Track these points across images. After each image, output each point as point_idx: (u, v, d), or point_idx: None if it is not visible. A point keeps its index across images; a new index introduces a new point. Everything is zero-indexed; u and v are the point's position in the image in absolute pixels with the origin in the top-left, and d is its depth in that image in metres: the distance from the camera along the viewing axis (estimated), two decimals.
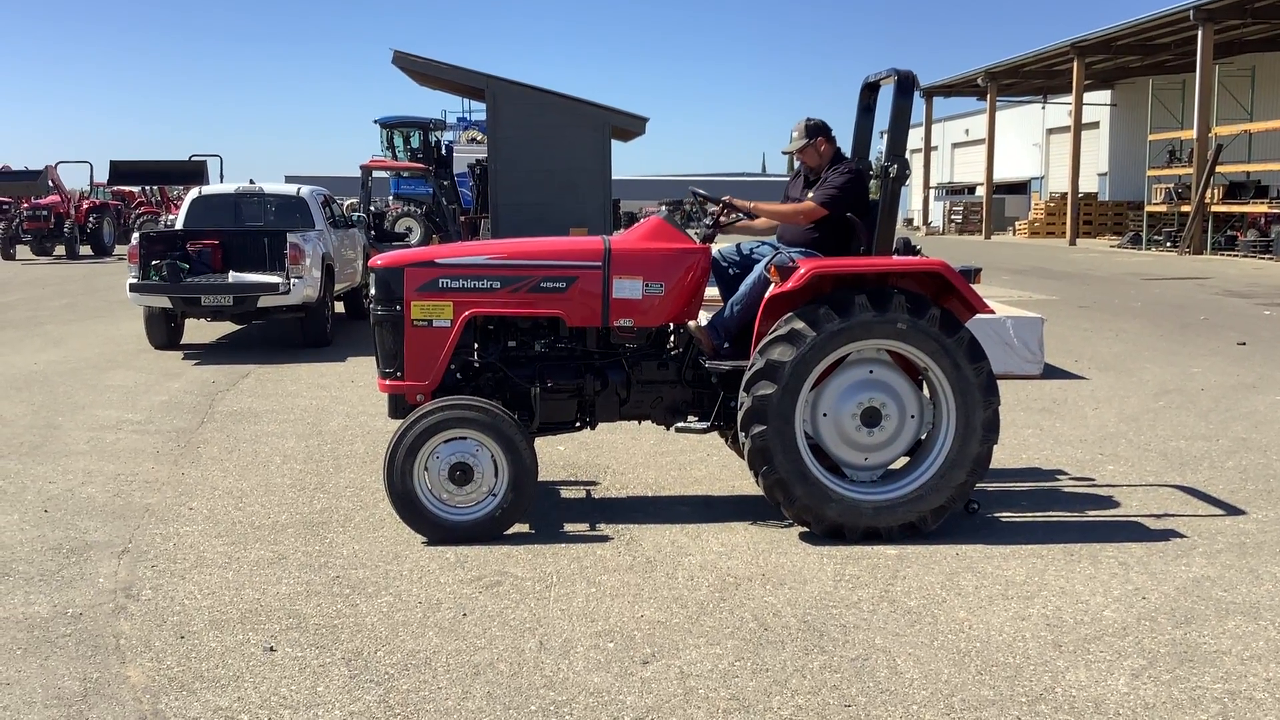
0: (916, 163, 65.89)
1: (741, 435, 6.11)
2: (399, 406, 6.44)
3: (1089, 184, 49.70)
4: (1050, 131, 57.02)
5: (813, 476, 6.04)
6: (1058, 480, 7.54)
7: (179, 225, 15.04)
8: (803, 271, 6.01)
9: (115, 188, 41.11)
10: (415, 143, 36.27)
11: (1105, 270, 28.46)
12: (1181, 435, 8.90)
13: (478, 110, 41.30)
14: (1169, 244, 35.86)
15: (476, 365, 6.59)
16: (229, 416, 9.74)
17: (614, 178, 16.75)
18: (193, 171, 31.67)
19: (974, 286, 6.26)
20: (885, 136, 6.39)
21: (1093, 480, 7.52)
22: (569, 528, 6.35)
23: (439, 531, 6.09)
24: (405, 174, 33.12)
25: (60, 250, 33.12)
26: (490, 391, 6.54)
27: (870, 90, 6.94)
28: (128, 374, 12.00)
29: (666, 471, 7.72)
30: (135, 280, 13.33)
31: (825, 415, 6.16)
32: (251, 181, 15.90)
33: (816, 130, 6.71)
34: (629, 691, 4.31)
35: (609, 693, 4.30)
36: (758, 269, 6.50)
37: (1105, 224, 46.73)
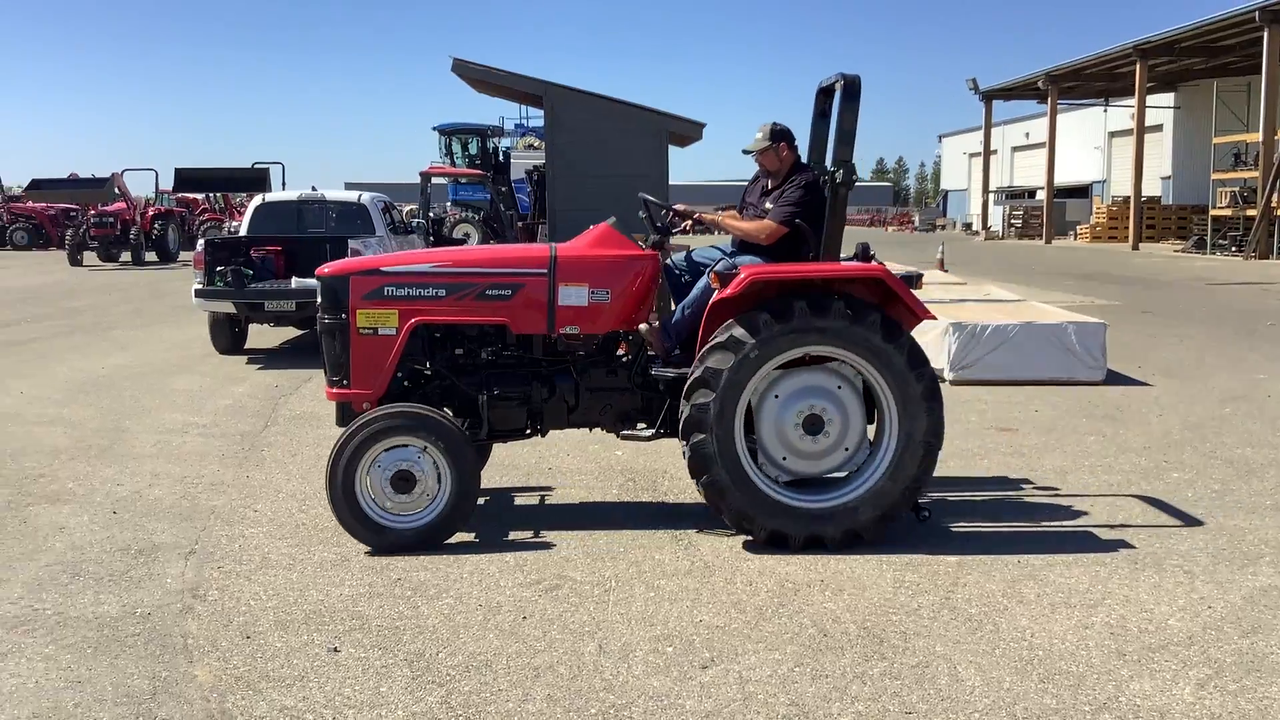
0: (976, 166, 65.40)
1: (681, 443, 6.07)
2: (346, 415, 6.38)
3: (1152, 188, 48.99)
4: (1112, 134, 56.31)
5: (752, 484, 6.01)
6: (1120, 488, 7.44)
7: (243, 232, 15.28)
8: (742, 278, 6.02)
9: (180, 195, 41.78)
10: (473, 149, 36.55)
11: (1169, 275, 28.04)
12: (1248, 443, 8.75)
13: (535, 117, 41.54)
14: (1234, 248, 35.27)
15: (426, 373, 6.59)
16: (292, 420, 9.88)
17: (671, 183, 16.79)
18: (256, 179, 32.04)
19: (916, 293, 6.25)
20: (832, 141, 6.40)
21: (1157, 488, 7.42)
22: (627, 533, 6.37)
23: (382, 539, 6.04)
24: (463, 180, 33.34)
25: (126, 256, 33.70)
26: (438, 399, 6.52)
27: (825, 95, 6.84)
28: (193, 378, 12.20)
29: None
30: (200, 286, 13.55)
31: (767, 423, 6.11)
32: (314, 188, 16.09)
33: (780, 135, 6.64)
34: (688, 696, 4.33)
35: (668, 697, 4.32)
36: (707, 274, 6.48)
37: (1169, 228, 46.06)
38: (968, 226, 66.95)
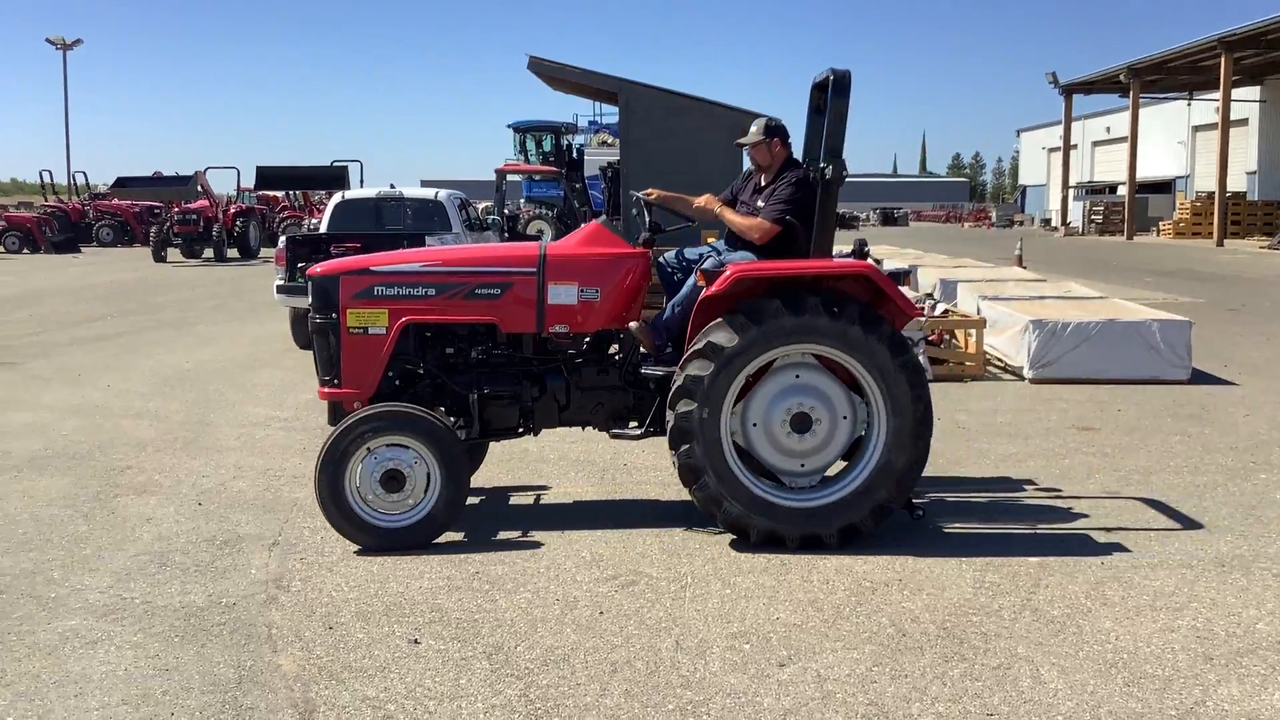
0: (1055, 161, 64.38)
1: (671, 453, 6.03)
2: (338, 414, 6.38)
3: (1237, 183, 47.90)
4: (1196, 129, 55.14)
5: (744, 487, 5.97)
6: (1206, 489, 7.29)
7: (323, 229, 15.49)
8: (728, 275, 5.98)
9: (260, 193, 42.52)
10: (547, 146, 36.76)
11: (1254, 272, 27.39)
12: None
13: (609, 114, 41.64)
14: None
15: (419, 372, 6.56)
16: None
17: None
18: (334, 176, 32.52)
19: (903, 289, 6.15)
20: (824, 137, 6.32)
21: (1244, 489, 7.26)
22: (703, 530, 6.36)
23: (370, 537, 6.03)
24: (537, 177, 33.58)
25: (209, 253, 34.37)
26: (429, 398, 6.52)
27: (819, 90, 6.74)
28: (275, 373, 12.41)
29: None
30: (282, 282, 13.76)
31: (755, 425, 6.08)
32: (392, 186, 16.29)
33: (774, 131, 6.60)
34: (766, 694, 4.32)
35: (746, 694, 4.31)
36: (695, 271, 6.46)
37: (1254, 224, 45.00)
38: (1046, 222, 65.91)
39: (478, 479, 7.61)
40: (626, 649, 4.75)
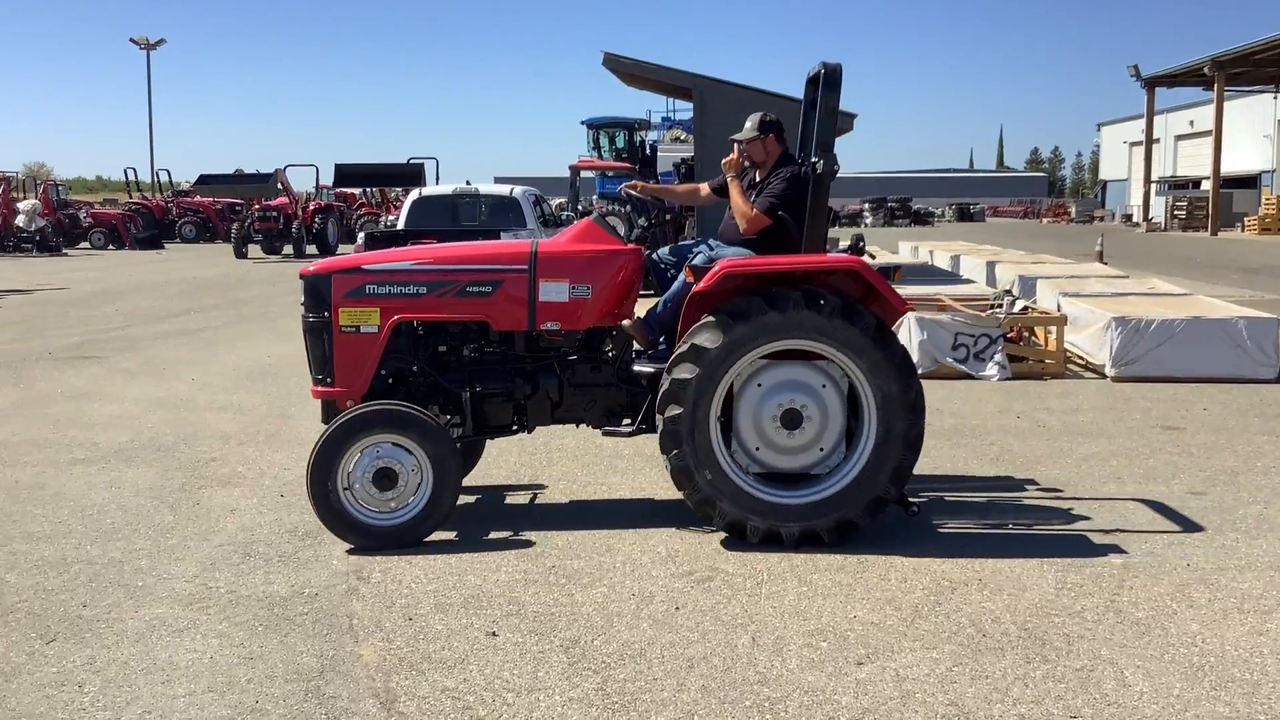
0: (1137, 156, 63.18)
1: (664, 458, 6.02)
2: (330, 413, 6.37)
3: None
4: None
5: (738, 487, 5.95)
6: None
7: (400, 225, 15.68)
8: (716, 270, 5.96)
9: (338, 190, 43.13)
10: (620, 143, 36.79)
11: None
12: None
13: (682, 109, 41.60)
14: None
15: (413, 370, 6.55)
16: None
17: None
18: (411, 174, 32.93)
19: (894, 284, 6.12)
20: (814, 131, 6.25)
21: None
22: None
23: (362, 536, 6.02)
24: (610, 173, 33.64)
25: (288, 249, 34.94)
26: (422, 396, 6.50)
27: (813, 85, 6.61)
28: None
29: None
30: None
31: (759, 449, 6.06)
32: (468, 183, 16.44)
33: (770, 127, 6.56)
34: (844, 692, 4.29)
35: (823, 692, 4.29)
36: (684, 267, 6.42)
37: None
38: (1128, 218, 64.73)
39: (549, 475, 7.66)
40: (703, 645, 4.75)
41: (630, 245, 6.50)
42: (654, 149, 36.60)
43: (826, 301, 5.87)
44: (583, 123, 37.63)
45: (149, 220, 43.03)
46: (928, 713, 4.12)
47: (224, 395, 10.86)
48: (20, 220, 38.39)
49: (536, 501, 7.01)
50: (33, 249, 37.61)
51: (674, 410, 5.90)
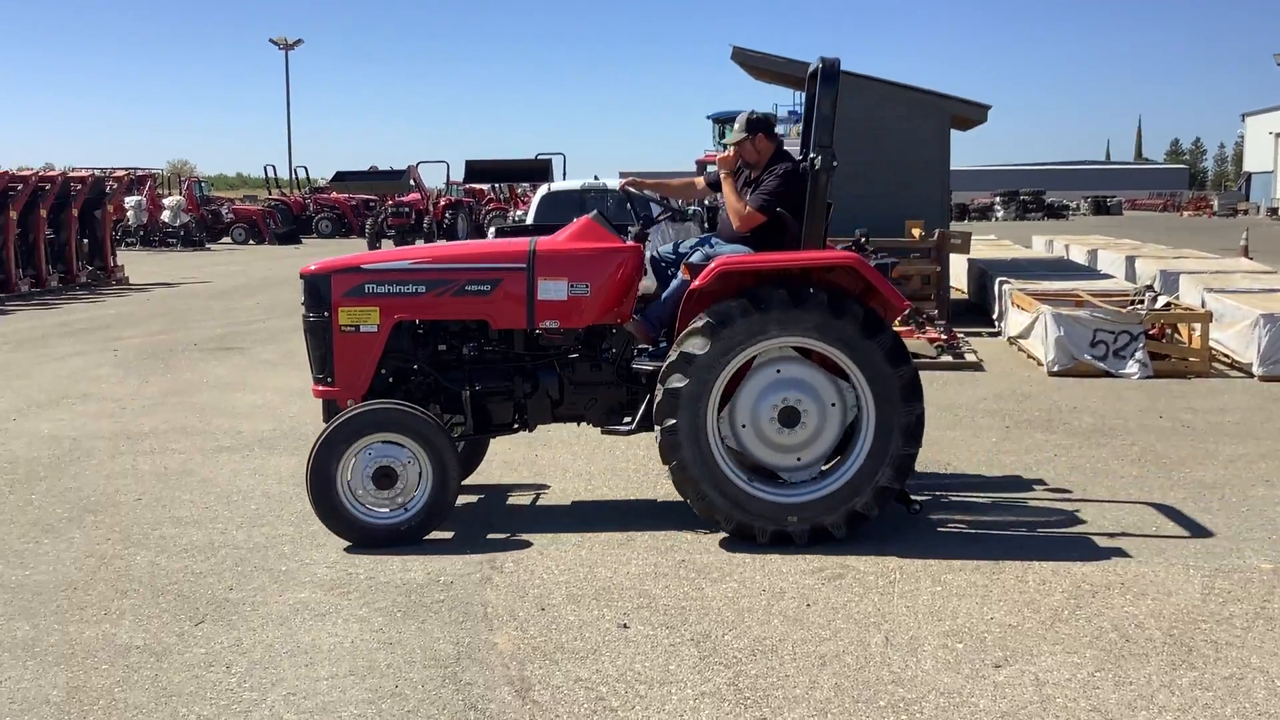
0: None
1: (666, 465, 5.97)
2: (331, 412, 6.37)
3: None
4: None
5: (740, 491, 5.89)
6: None
7: (529, 220, 15.85)
8: (712, 268, 5.89)
9: (467, 185, 43.83)
10: None
11: None
12: None
13: None
14: None
15: (413, 369, 6.52)
16: None
17: (952, 168, 16.35)
18: (539, 169, 33.22)
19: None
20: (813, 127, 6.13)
21: None
22: (910, 524, 6.24)
23: (361, 534, 6.02)
24: None
25: (420, 244, 35.65)
26: (422, 396, 6.48)
27: (813, 81, 6.44)
28: None
29: (1010, 470, 7.49)
30: None
31: (745, 426, 6.00)
32: (595, 178, 16.54)
33: (756, 126, 6.49)
34: (981, 695, 4.21)
35: (960, 694, 4.22)
36: (680, 265, 6.40)
37: None
38: (1274, 211, 62.25)
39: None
40: (835, 642, 4.71)
41: (629, 243, 6.47)
42: (781, 143, 36.42)
43: (811, 297, 5.81)
44: (709, 117, 37.74)
45: (287, 216, 44.26)
46: (1069, 718, 4.02)
47: None
48: (165, 216, 39.87)
49: (665, 494, 7.02)
50: (177, 243, 39.03)
51: (670, 420, 5.86)
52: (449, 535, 6.18)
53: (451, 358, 6.53)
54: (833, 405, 6.00)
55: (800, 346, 5.99)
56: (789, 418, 5.98)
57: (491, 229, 15.14)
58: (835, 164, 6.06)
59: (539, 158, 34.78)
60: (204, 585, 5.48)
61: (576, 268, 6.30)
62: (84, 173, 25.83)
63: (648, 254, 6.61)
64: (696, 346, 5.84)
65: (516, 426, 6.59)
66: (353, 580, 5.51)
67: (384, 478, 5.98)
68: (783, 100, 44.23)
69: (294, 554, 5.93)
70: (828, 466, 6.14)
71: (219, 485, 7.34)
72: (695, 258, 6.33)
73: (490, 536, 6.19)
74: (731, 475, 5.93)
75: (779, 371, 6.02)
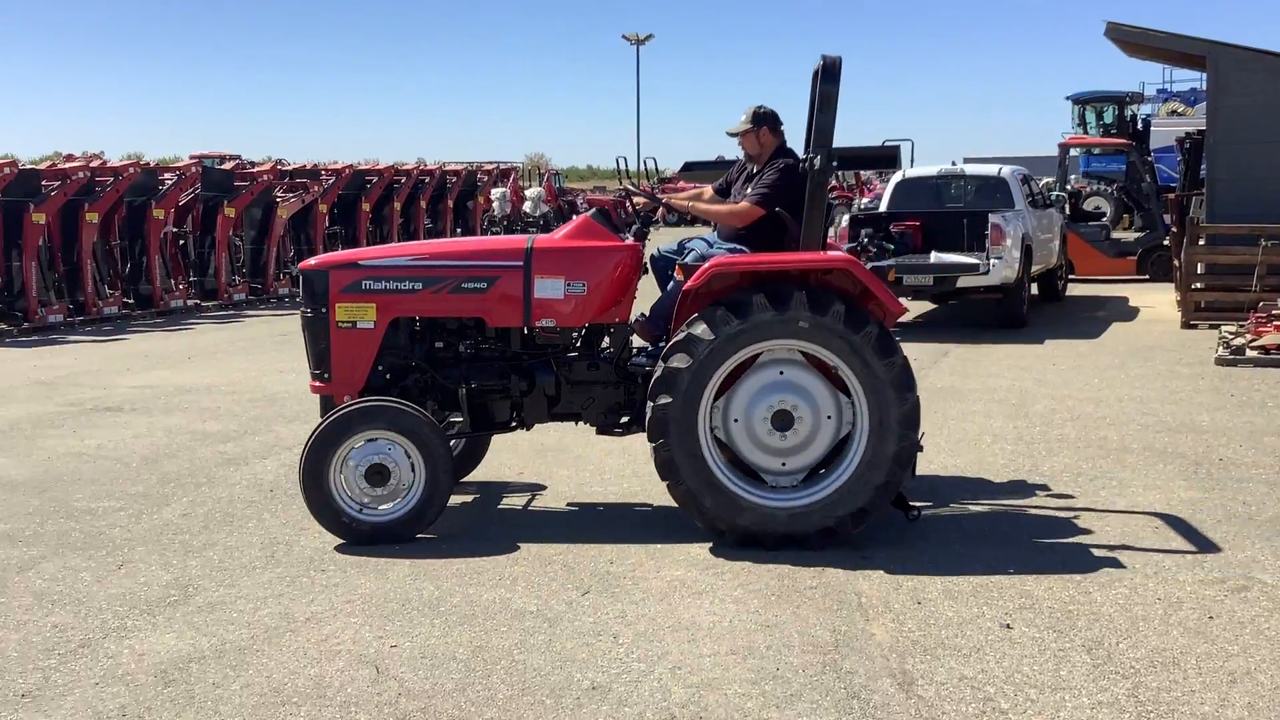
0: None
1: (650, 445, 5.79)
2: (328, 408, 6.26)
3: None
4: None
5: (722, 485, 5.73)
6: None
7: (882, 207, 15.64)
8: (705, 268, 5.77)
9: None
10: (1109, 118, 34.72)
11: None
12: None
13: (1180, 80, 38.64)
14: None
15: (410, 366, 6.40)
16: (934, 393, 9.95)
17: None
18: (886, 156, 32.68)
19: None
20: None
21: None
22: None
23: (353, 531, 5.92)
24: (1097, 150, 31.80)
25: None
26: (418, 393, 6.35)
27: (815, 78, 6.03)
28: None
29: None
30: None
31: (736, 421, 5.84)
32: (953, 163, 16.12)
33: (762, 119, 6.39)
34: None
35: None
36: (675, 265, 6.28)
37: None
38: None
39: (1049, 463, 7.36)
40: (1244, 659, 4.37)
41: (628, 242, 6.30)
42: (1147, 123, 34.23)
43: (830, 305, 5.64)
44: (1068, 98, 35.86)
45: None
46: None
47: None
48: (526, 206, 42.03)
49: (1048, 489, 6.75)
50: (537, 233, 41.07)
51: (665, 399, 5.73)
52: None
53: (448, 355, 6.50)
54: (828, 418, 5.83)
55: (806, 352, 5.83)
56: (782, 421, 5.81)
57: (845, 217, 14.99)
58: (835, 164, 5.89)
59: (886, 145, 34.31)
60: (586, 558, 5.72)
61: (573, 266, 6.23)
62: (458, 167, 27.66)
63: (647, 254, 6.53)
64: (705, 332, 5.71)
65: (514, 425, 6.54)
66: (726, 560, 5.60)
67: (376, 475, 5.95)
68: (1150, 78, 41.67)
69: (666, 533, 6.09)
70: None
71: (592, 463, 7.65)
72: (690, 258, 6.24)
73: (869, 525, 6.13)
74: (714, 467, 5.79)
75: (782, 373, 5.86)
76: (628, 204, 6.80)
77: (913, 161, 33.08)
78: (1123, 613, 4.86)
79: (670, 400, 5.75)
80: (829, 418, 5.85)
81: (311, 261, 6.63)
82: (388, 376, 6.47)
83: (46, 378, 11.70)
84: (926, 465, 7.38)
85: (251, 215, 19.25)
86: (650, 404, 5.81)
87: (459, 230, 25.64)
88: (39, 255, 15.73)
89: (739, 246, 6.30)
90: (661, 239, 7.68)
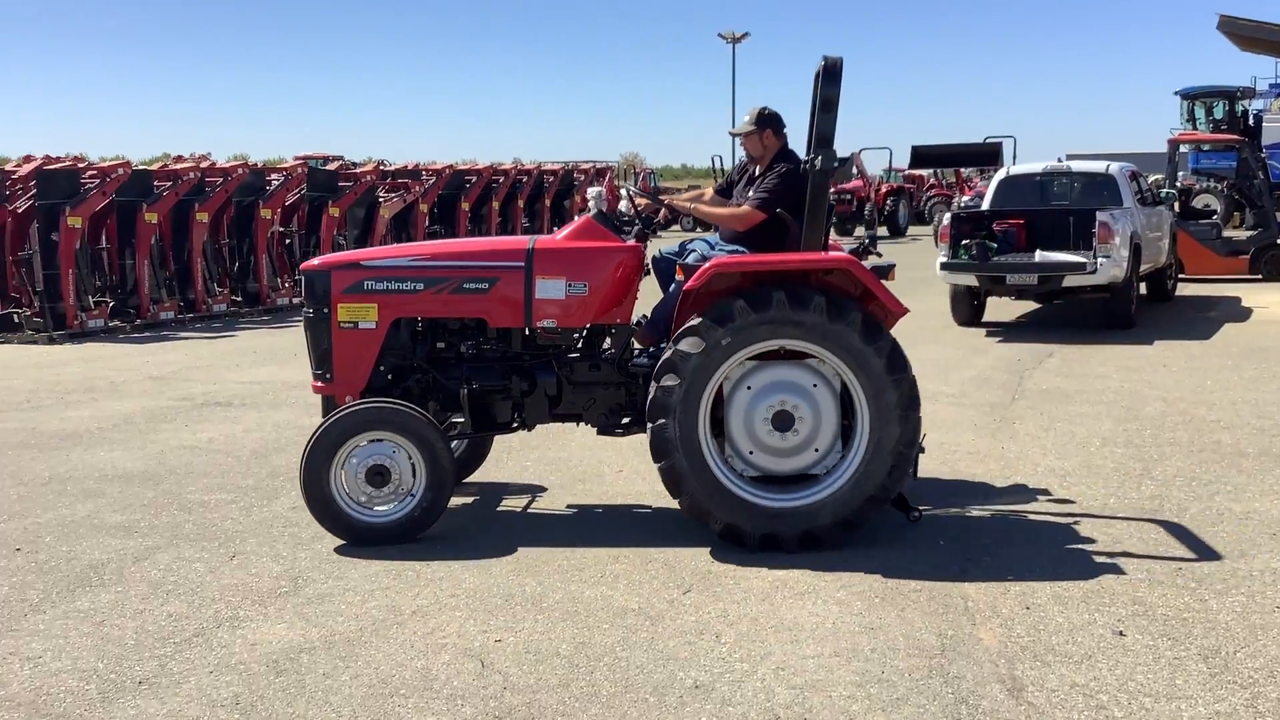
0: None
1: (655, 461, 5.79)
2: (330, 408, 6.23)
3: None
4: None
5: (727, 491, 5.72)
6: None
7: (985, 205, 15.38)
8: (705, 269, 5.77)
9: (907, 172, 43.30)
10: (1219, 113, 33.90)
11: None
12: None
13: None
14: None
15: (412, 367, 6.37)
16: (1039, 395, 9.79)
17: None
18: (988, 153, 32.19)
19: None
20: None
21: None
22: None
23: (354, 532, 5.91)
24: (1206, 147, 30.98)
25: (859, 231, 35.62)
26: (420, 393, 6.34)
27: (816, 80, 5.98)
28: (936, 348, 12.49)
29: None
30: (945, 259, 13.88)
31: (737, 424, 5.81)
32: (1059, 160, 15.80)
33: (766, 121, 6.38)
34: None
35: None
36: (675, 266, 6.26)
37: None
38: None
39: (1161, 467, 7.19)
40: None
41: (629, 243, 6.27)
42: (1259, 119, 33.26)
43: (814, 300, 5.62)
44: (1177, 93, 35.06)
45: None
46: None
47: None
48: (621, 205, 42.25)
49: (1148, 497, 6.59)
50: (633, 232, 41.26)
51: (661, 421, 5.72)
52: (918, 527, 6.10)
53: (450, 355, 6.49)
54: (814, 386, 5.81)
55: (764, 352, 5.79)
56: (784, 421, 5.80)
57: (947, 215, 14.79)
58: (836, 164, 5.79)
59: (988, 141, 33.76)
60: (686, 555, 5.72)
61: (574, 267, 6.20)
62: (555, 166, 27.85)
63: (649, 254, 6.46)
64: (694, 344, 5.68)
65: (515, 425, 6.49)
66: (830, 560, 5.55)
67: (377, 476, 5.93)
68: (1263, 72, 40.44)
69: None
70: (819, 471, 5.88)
71: None
72: (690, 259, 6.24)
73: (960, 531, 6.05)
74: (719, 474, 5.77)
75: (749, 388, 5.84)
76: (620, 206, 6.84)
77: (1015, 158, 32.55)
78: (1240, 621, 4.72)
79: (666, 420, 5.73)
80: (815, 386, 5.83)
81: (314, 262, 6.62)
82: (389, 377, 6.49)
83: (159, 373, 12.05)
84: (1034, 468, 7.27)
85: (355, 215, 19.58)
86: (650, 425, 5.80)
87: (554, 229, 25.84)
88: (151, 254, 16.23)
89: (740, 248, 6.31)
90: (663, 242, 7.66)
